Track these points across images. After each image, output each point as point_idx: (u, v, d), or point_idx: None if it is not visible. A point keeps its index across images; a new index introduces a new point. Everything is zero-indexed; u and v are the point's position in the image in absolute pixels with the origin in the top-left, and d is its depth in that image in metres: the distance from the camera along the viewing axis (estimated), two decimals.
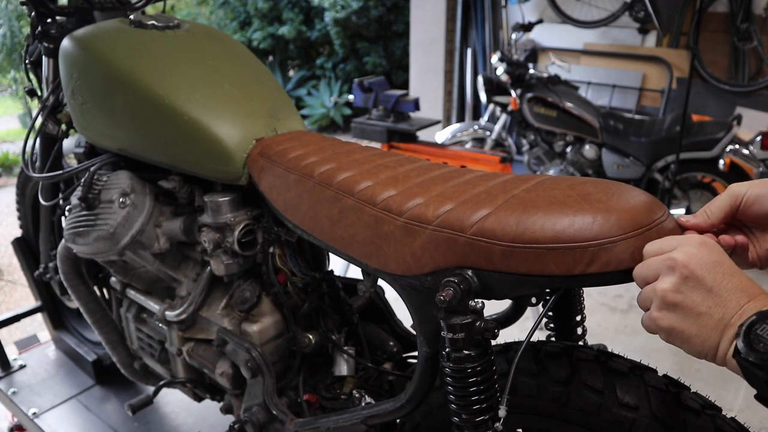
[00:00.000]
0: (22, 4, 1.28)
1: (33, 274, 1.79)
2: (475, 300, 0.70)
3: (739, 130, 2.96)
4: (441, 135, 3.88)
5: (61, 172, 1.26)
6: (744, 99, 3.62)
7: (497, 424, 0.72)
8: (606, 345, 0.89)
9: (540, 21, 3.87)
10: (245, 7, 7.14)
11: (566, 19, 4.19)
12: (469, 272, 0.70)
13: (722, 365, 0.54)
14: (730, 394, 2.13)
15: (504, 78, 3.47)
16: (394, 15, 6.61)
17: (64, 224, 1.23)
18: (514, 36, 3.71)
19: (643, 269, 0.60)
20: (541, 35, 4.42)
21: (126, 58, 1.09)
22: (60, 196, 1.48)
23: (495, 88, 3.64)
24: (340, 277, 1.15)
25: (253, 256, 1.10)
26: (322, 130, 6.98)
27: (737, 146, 2.90)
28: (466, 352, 0.72)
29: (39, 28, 1.30)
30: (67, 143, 1.45)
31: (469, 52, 4.84)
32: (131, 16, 1.19)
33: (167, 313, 1.19)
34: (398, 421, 0.96)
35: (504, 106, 3.63)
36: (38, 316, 2.03)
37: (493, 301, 0.74)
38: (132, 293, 1.30)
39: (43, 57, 1.35)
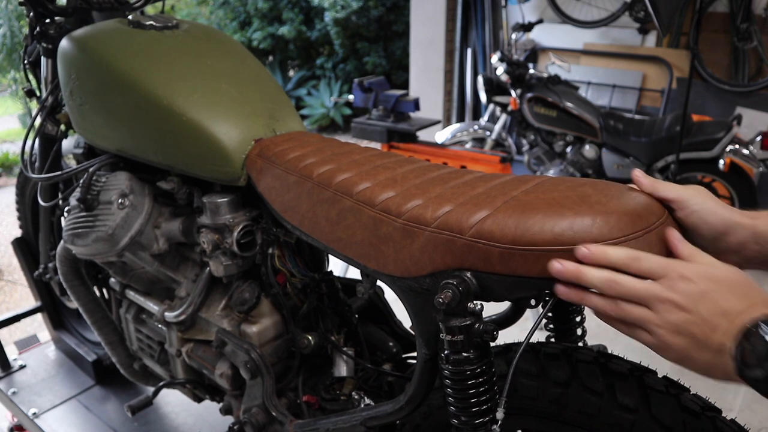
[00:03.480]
0: (21, 4, 1.28)
1: (33, 274, 1.79)
2: (474, 302, 0.70)
3: (739, 130, 2.96)
4: (441, 135, 3.88)
5: (60, 173, 1.25)
6: (744, 99, 3.62)
7: (495, 426, 0.72)
8: (606, 346, 0.89)
9: (540, 21, 3.87)
10: (245, 7, 7.14)
11: (566, 19, 4.19)
12: (468, 274, 0.69)
13: (738, 383, 0.57)
14: (730, 395, 2.13)
15: (504, 78, 3.47)
16: (394, 15, 6.61)
17: (63, 225, 1.23)
18: (514, 36, 3.71)
19: (636, 292, 0.61)
20: (541, 35, 4.42)
21: (124, 59, 1.09)
22: (59, 196, 1.48)
23: (495, 88, 3.64)
24: (339, 278, 1.14)
25: (252, 257, 1.10)
26: (322, 130, 6.98)
27: (737, 146, 2.90)
28: (465, 354, 0.72)
29: (37, 29, 1.29)
30: (66, 144, 1.45)
31: (469, 52, 4.84)
32: (130, 17, 1.19)
33: (166, 314, 1.19)
34: (398, 422, 0.96)
35: (504, 106, 3.63)
36: (38, 316, 2.03)
37: (492, 302, 0.73)
38: (131, 294, 1.30)
39: (42, 57, 1.35)
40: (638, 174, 0.70)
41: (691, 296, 0.57)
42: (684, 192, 0.68)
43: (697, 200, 0.68)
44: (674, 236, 0.64)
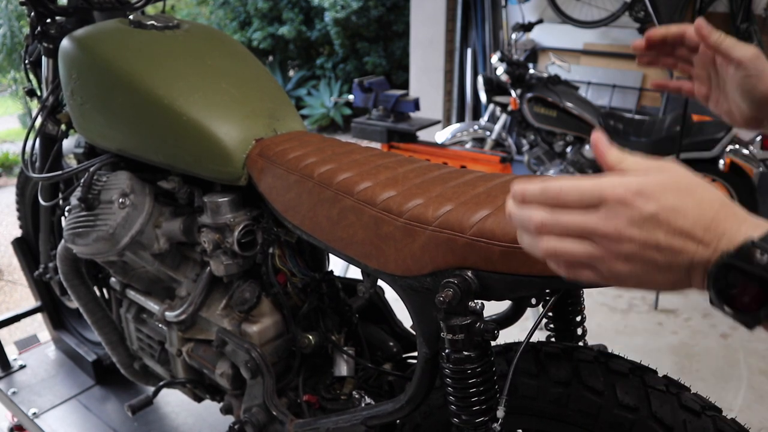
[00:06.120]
0: (22, 4, 1.28)
1: (33, 274, 1.79)
2: (475, 301, 0.70)
3: (738, 130, 2.96)
4: (441, 135, 3.88)
5: (60, 172, 1.26)
6: None
7: (495, 425, 0.72)
8: (606, 345, 0.89)
9: (540, 21, 3.87)
10: (245, 7, 7.14)
11: (566, 19, 4.19)
12: (469, 273, 0.69)
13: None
14: (730, 394, 2.13)
15: (504, 78, 3.47)
16: (394, 15, 6.61)
17: (63, 224, 1.23)
18: (514, 36, 3.71)
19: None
20: (541, 35, 4.42)
21: (125, 59, 1.09)
22: (60, 196, 1.48)
23: (495, 88, 3.64)
24: (339, 278, 1.15)
25: (252, 257, 1.10)
26: (322, 130, 6.98)
27: (737, 146, 2.90)
28: (465, 353, 0.72)
29: (38, 29, 1.30)
30: (67, 143, 1.45)
31: (469, 52, 4.84)
32: (131, 16, 1.19)
33: (167, 313, 1.19)
34: (398, 421, 0.96)
35: (504, 106, 3.63)
36: (38, 316, 2.03)
37: (492, 301, 0.74)
38: (132, 294, 1.30)
39: (43, 57, 1.35)
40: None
41: (639, 223, 0.48)
42: (745, 52, 0.71)
43: (757, 65, 0.71)
44: (601, 142, 0.53)
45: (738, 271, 0.44)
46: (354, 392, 1.08)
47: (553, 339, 0.93)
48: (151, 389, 1.31)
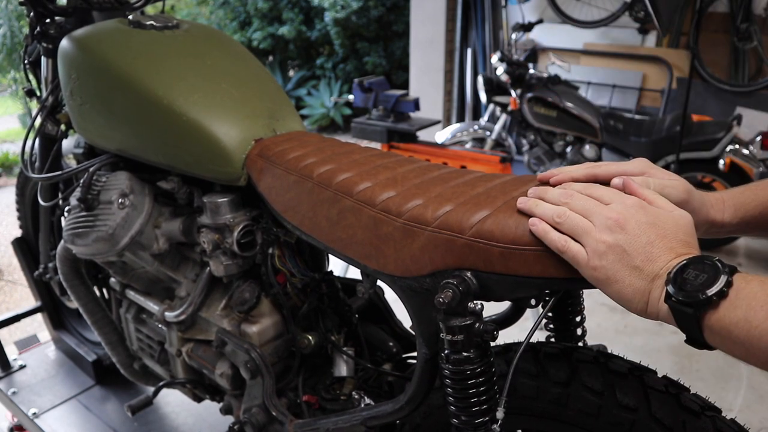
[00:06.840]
0: (21, 4, 1.28)
1: (33, 274, 1.79)
2: (474, 301, 0.70)
3: (739, 130, 2.96)
4: (441, 135, 3.88)
5: (60, 172, 1.26)
6: (744, 99, 3.62)
7: (494, 426, 0.72)
8: (606, 345, 0.89)
9: (540, 21, 3.87)
10: (245, 7, 7.14)
11: (566, 19, 4.19)
12: (468, 274, 0.69)
13: (653, 316, 0.58)
14: (730, 394, 2.13)
15: (504, 78, 3.47)
16: (394, 15, 6.61)
17: (63, 225, 1.23)
18: (514, 36, 3.71)
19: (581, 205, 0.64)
20: (541, 35, 4.42)
21: (124, 59, 1.09)
22: (59, 196, 1.48)
23: (495, 88, 3.64)
24: (339, 278, 1.14)
25: (252, 257, 1.10)
26: (322, 130, 6.98)
27: (737, 146, 2.90)
28: (465, 353, 0.72)
29: (38, 29, 1.30)
30: (67, 144, 1.45)
31: (469, 52, 4.84)
32: (130, 16, 1.19)
33: (167, 313, 1.19)
34: (398, 422, 0.96)
35: (504, 106, 3.63)
36: (38, 316, 2.03)
37: (492, 302, 0.73)
38: (131, 294, 1.30)
39: (42, 57, 1.35)
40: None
41: (639, 222, 0.59)
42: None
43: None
44: (634, 184, 0.65)
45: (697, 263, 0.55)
46: (354, 392, 1.08)
47: (552, 339, 0.93)
48: (151, 389, 1.32)
